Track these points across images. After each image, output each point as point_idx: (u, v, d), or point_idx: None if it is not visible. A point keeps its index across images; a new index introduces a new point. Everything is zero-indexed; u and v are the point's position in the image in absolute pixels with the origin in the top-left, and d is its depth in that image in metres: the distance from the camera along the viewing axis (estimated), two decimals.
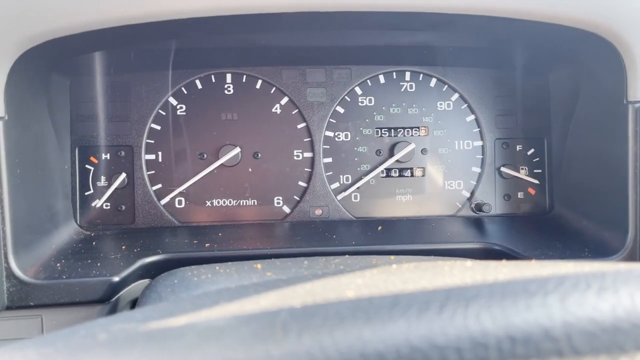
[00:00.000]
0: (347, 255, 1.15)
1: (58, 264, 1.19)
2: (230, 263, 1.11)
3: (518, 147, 1.58)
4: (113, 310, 1.19)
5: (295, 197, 1.55)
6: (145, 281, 1.23)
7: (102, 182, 1.49)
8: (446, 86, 1.57)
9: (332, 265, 1.04)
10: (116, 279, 1.14)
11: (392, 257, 1.14)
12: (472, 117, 1.58)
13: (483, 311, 0.48)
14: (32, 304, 1.12)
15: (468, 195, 1.58)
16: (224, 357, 0.46)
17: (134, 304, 1.22)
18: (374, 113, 1.56)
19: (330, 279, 0.70)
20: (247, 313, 0.56)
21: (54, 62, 1.25)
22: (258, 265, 1.05)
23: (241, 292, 0.66)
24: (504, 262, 0.75)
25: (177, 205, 1.52)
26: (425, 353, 0.44)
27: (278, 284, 0.69)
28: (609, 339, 0.44)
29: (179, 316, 0.59)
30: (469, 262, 0.80)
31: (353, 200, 1.57)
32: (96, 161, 1.49)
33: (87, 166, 1.48)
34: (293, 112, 1.55)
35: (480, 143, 1.58)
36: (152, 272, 1.22)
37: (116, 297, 1.17)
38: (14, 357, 0.50)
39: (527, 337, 0.45)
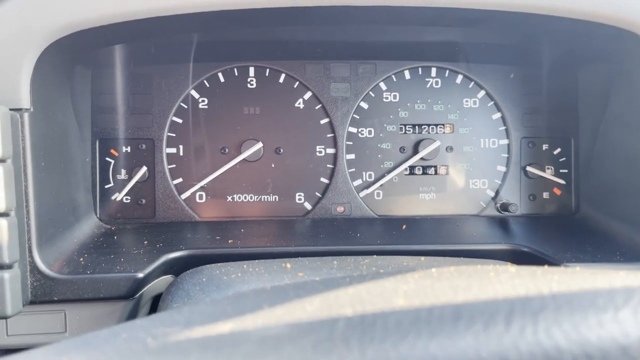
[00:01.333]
0: (375, 256, 1.13)
1: (81, 259, 1.17)
2: (257, 261, 1.09)
3: (544, 147, 1.56)
4: (136, 306, 1.17)
5: (317, 193, 1.53)
6: (168, 277, 1.21)
7: (123, 175, 1.47)
8: (472, 83, 1.55)
9: (363, 266, 1.02)
10: (140, 275, 1.12)
11: (423, 258, 1.12)
12: (499, 114, 1.55)
13: (554, 326, 0.46)
14: (55, 298, 1.10)
15: (492, 194, 1.55)
16: None
17: (156, 300, 1.21)
18: (399, 109, 1.54)
19: (372, 283, 0.68)
20: (299, 320, 0.54)
21: (78, 54, 1.23)
22: (287, 264, 1.03)
23: (281, 295, 0.64)
24: (548, 268, 0.73)
25: (197, 200, 1.50)
26: None
27: (316, 287, 0.67)
28: None
29: (225, 321, 0.57)
30: (511, 268, 0.78)
31: (376, 197, 1.54)
32: (117, 154, 1.47)
33: (107, 159, 1.47)
34: (316, 107, 1.53)
35: (506, 141, 1.55)
36: (175, 268, 1.21)
37: (140, 293, 1.16)
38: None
39: (604, 355, 0.43)
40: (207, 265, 1.09)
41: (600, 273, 0.63)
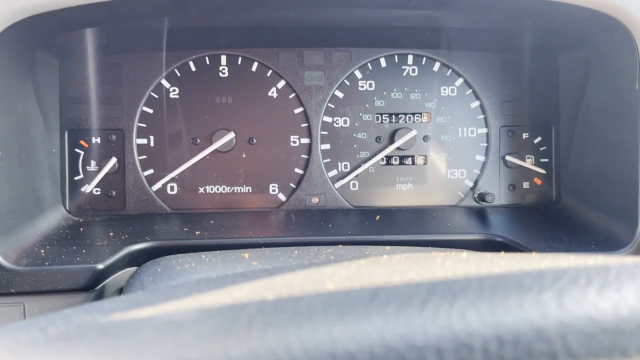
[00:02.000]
0: (340, 245, 1.10)
1: (42, 250, 1.15)
2: (218, 252, 1.06)
3: (524, 135, 1.52)
4: (98, 298, 1.14)
5: (291, 184, 1.50)
6: (133, 269, 1.19)
7: (92, 166, 1.44)
8: (450, 70, 1.51)
9: (322, 255, 0.99)
10: (100, 266, 1.10)
11: (388, 247, 1.09)
12: (477, 103, 1.51)
13: (470, 308, 0.43)
14: (13, 291, 1.08)
15: (471, 184, 1.52)
16: (177, 355, 0.41)
17: (120, 292, 1.18)
18: (374, 98, 1.50)
19: (314, 269, 0.65)
20: (215, 306, 0.51)
21: (38, 40, 1.20)
22: (246, 254, 1.00)
23: (217, 283, 0.62)
24: (502, 254, 0.70)
25: (169, 192, 1.48)
26: (401, 354, 0.39)
27: (258, 274, 0.64)
28: (610, 341, 0.39)
29: (144, 309, 0.54)
30: (464, 254, 0.75)
31: (351, 188, 1.51)
32: (86, 145, 1.44)
33: (76, 150, 1.44)
34: (290, 96, 1.49)
35: (484, 130, 1.52)
36: (140, 260, 1.18)
37: (101, 285, 1.13)
38: None
39: (517, 338, 0.40)
40: (167, 256, 1.06)
41: (550, 258, 0.60)
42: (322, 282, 0.57)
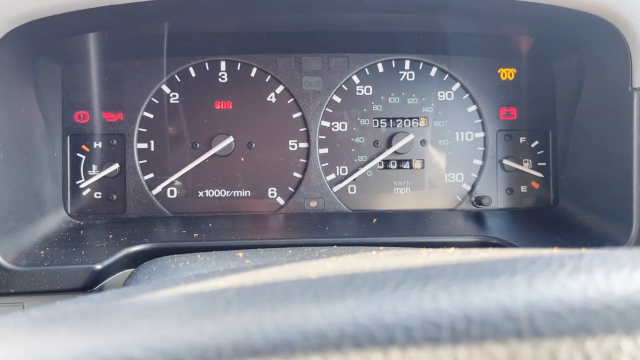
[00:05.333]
0: (335, 246, 1.11)
1: (42, 252, 1.17)
2: (212, 252, 1.08)
3: (521, 139, 1.53)
4: None
5: (289, 188, 1.51)
6: (132, 270, 1.20)
7: (94, 171, 1.47)
8: (447, 75, 1.52)
9: (316, 254, 1.00)
10: (98, 266, 1.11)
11: (382, 248, 1.10)
12: (474, 107, 1.52)
13: (441, 290, 0.44)
14: (12, 290, 1.10)
15: (469, 188, 1.53)
16: (155, 333, 0.42)
17: None
18: (372, 103, 1.52)
19: (300, 263, 0.67)
20: (197, 292, 0.52)
21: (41, 45, 1.23)
22: (240, 253, 1.01)
23: (206, 276, 0.63)
24: (488, 249, 0.71)
25: (169, 195, 1.49)
26: (371, 332, 0.40)
27: (246, 268, 0.66)
28: (576, 320, 0.40)
29: (130, 297, 0.56)
30: (451, 249, 0.76)
31: (349, 192, 1.52)
32: (88, 150, 1.47)
33: (78, 154, 1.46)
34: (288, 101, 1.51)
35: (482, 134, 1.52)
36: (139, 261, 1.19)
37: (99, 285, 1.15)
38: None
39: (484, 317, 0.40)
40: (163, 257, 1.08)
41: (533, 250, 0.61)
42: (305, 272, 0.58)
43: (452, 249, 0.77)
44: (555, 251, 0.58)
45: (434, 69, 1.52)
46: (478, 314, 0.41)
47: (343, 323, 0.41)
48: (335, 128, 1.52)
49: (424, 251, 0.74)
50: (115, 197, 1.47)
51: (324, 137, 1.51)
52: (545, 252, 0.57)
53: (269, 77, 1.50)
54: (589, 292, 0.42)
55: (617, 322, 0.39)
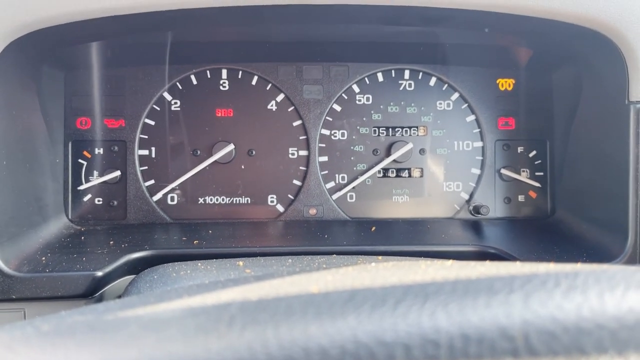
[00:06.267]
0: (334, 255, 1.13)
1: (43, 258, 1.17)
2: (213, 260, 1.09)
3: (519, 149, 1.54)
4: None
5: (289, 195, 1.53)
6: (132, 277, 1.21)
7: (95, 177, 1.48)
8: (446, 85, 1.54)
9: (315, 263, 1.02)
10: (99, 273, 1.12)
11: (380, 257, 1.11)
12: (473, 117, 1.54)
13: (439, 308, 0.45)
14: (14, 297, 1.10)
15: (467, 197, 1.54)
16: (161, 349, 0.43)
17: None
18: (372, 111, 1.53)
19: (301, 275, 0.68)
20: (200, 305, 0.53)
21: (44, 53, 1.24)
22: (240, 262, 1.02)
23: (208, 287, 0.64)
24: (486, 262, 0.72)
25: (169, 202, 1.50)
26: (371, 349, 0.41)
27: (248, 280, 0.67)
28: (570, 339, 0.41)
29: (134, 309, 0.57)
30: (449, 262, 0.77)
31: (348, 200, 1.54)
32: (89, 156, 1.48)
33: (80, 160, 1.47)
34: (289, 110, 1.52)
35: (480, 144, 1.54)
36: (139, 268, 1.20)
37: (100, 292, 1.16)
38: None
39: (481, 336, 0.42)
40: (165, 264, 1.09)
41: (531, 265, 0.62)
42: (307, 285, 0.59)
43: (450, 262, 0.78)
44: (552, 267, 0.59)
45: (433, 79, 1.54)
46: (476, 332, 0.42)
47: (344, 340, 0.42)
48: (335, 136, 1.53)
49: (422, 263, 0.75)
50: (116, 203, 1.48)
51: (324, 145, 1.53)
52: (541, 267, 0.58)
53: (270, 85, 1.52)
54: (583, 311, 0.43)
55: (609, 342, 0.41)
